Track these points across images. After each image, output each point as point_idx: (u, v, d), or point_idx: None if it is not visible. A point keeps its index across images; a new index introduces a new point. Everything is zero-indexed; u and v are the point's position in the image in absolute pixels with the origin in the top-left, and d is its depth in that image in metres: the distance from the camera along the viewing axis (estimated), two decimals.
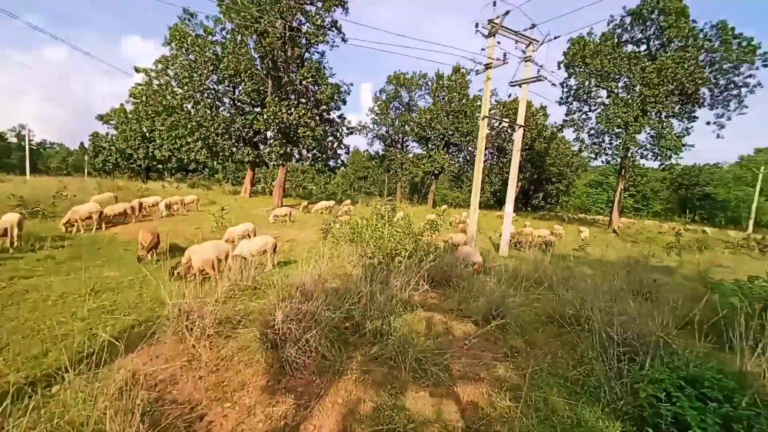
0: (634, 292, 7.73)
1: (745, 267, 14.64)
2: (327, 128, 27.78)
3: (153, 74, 26.07)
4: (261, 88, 25.73)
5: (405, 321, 4.83)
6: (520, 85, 13.98)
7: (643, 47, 30.31)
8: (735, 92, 28.19)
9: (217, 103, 26.47)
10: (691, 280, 10.13)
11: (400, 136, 47.39)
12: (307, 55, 24.83)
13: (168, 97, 24.60)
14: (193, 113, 25.33)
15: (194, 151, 26.52)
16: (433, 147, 43.43)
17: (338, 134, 29.25)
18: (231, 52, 23.03)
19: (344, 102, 28.16)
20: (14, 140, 66.43)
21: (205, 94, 25.55)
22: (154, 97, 25.19)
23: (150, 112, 26.18)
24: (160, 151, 33.15)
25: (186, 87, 24.44)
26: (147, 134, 47.29)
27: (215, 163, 48.44)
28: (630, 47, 30.60)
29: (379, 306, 4.74)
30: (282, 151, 23.75)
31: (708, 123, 29.63)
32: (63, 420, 2.59)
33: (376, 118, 46.85)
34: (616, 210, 32.64)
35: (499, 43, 12.52)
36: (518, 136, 14.00)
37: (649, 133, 29.87)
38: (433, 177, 44.89)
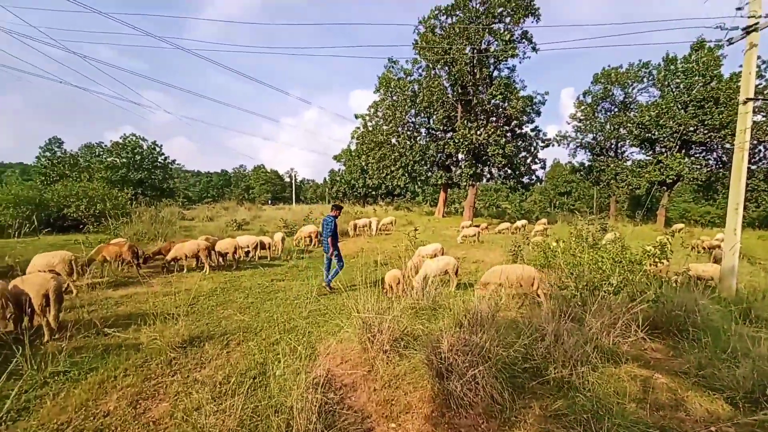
0: None
1: None
2: (519, 143, 26.36)
3: (367, 118, 31.74)
4: (452, 114, 27.11)
5: (605, 376, 3.77)
6: None
7: None
8: None
9: (414, 133, 29.61)
10: None
11: (612, 141, 39.72)
12: (495, 73, 24.57)
13: (378, 135, 29.29)
14: (396, 145, 29.21)
15: (396, 177, 30.36)
16: (663, 150, 34.15)
17: (532, 149, 27.22)
18: (425, 86, 25.41)
19: (538, 114, 26.14)
20: (288, 179, 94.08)
21: (405, 128, 29.02)
22: (368, 136, 30.49)
23: (365, 149, 31.84)
24: (372, 180, 39.61)
25: (390, 124, 28.50)
26: (364, 167, 57.82)
27: (416, 187, 54.18)
28: None
29: (568, 350, 3.90)
30: (471, 172, 24.04)
31: None
32: (266, 404, 3.30)
33: (580, 125, 40.99)
34: None
35: None
36: None
37: None
38: (664, 188, 35.09)
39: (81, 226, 16.41)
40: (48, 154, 46.82)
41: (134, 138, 46.23)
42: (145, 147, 46.50)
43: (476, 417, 3.30)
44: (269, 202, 70.41)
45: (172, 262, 9.88)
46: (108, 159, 44.84)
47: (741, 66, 9.88)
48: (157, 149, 47.80)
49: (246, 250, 12.02)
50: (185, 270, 10.01)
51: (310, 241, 15.62)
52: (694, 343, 4.54)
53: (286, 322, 6.06)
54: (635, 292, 5.19)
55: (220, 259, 10.99)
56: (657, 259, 8.30)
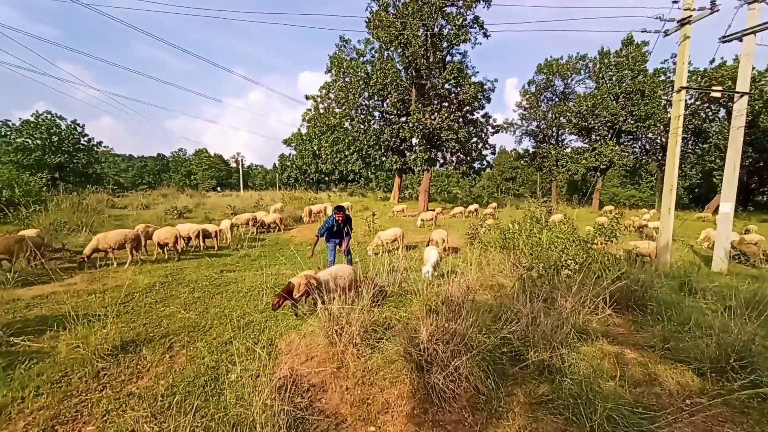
0: None
1: None
2: (471, 129, 26.84)
3: (319, 100, 30.44)
4: (406, 97, 26.79)
5: (582, 356, 3.74)
6: (740, 39, 10.21)
7: None
8: None
9: (368, 117, 28.91)
10: None
11: (553, 129, 42.09)
12: (448, 57, 24.57)
13: (330, 118, 28.22)
14: (349, 129, 28.37)
15: (351, 162, 29.64)
16: (598, 138, 36.89)
17: (483, 134, 27.89)
18: (379, 68, 24.75)
19: (488, 100, 26.72)
20: (234, 165, 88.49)
21: (359, 111, 28.23)
22: (320, 119, 29.31)
23: (317, 132, 30.64)
24: (325, 165, 38.41)
25: (343, 107, 27.55)
26: (316, 152, 55.75)
27: (369, 172, 53.45)
28: None
29: (545, 332, 3.80)
30: (426, 157, 24.05)
31: None
32: (221, 419, 2.78)
33: (525, 113, 42.89)
34: None
35: None
36: (740, 107, 10.17)
37: None
38: (598, 173, 38.07)
39: None
40: None
41: (49, 116, 40.40)
42: (63, 127, 40.88)
43: (461, 410, 3.07)
44: (216, 189, 65.92)
45: (94, 255, 8.59)
46: (18, 140, 38.79)
47: (667, 61, 10.63)
48: (79, 129, 42.29)
49: (186, 237, 10.90)
50: (115, 264, 8.79)
51: (257, 228, 14.74)
52: (657, 317, 4.71)
53: (240, 318, 5.44)
54: (600, 269, 5.29)
55: (160, 251, 9.84)
56: (607, 238, 8.79)
